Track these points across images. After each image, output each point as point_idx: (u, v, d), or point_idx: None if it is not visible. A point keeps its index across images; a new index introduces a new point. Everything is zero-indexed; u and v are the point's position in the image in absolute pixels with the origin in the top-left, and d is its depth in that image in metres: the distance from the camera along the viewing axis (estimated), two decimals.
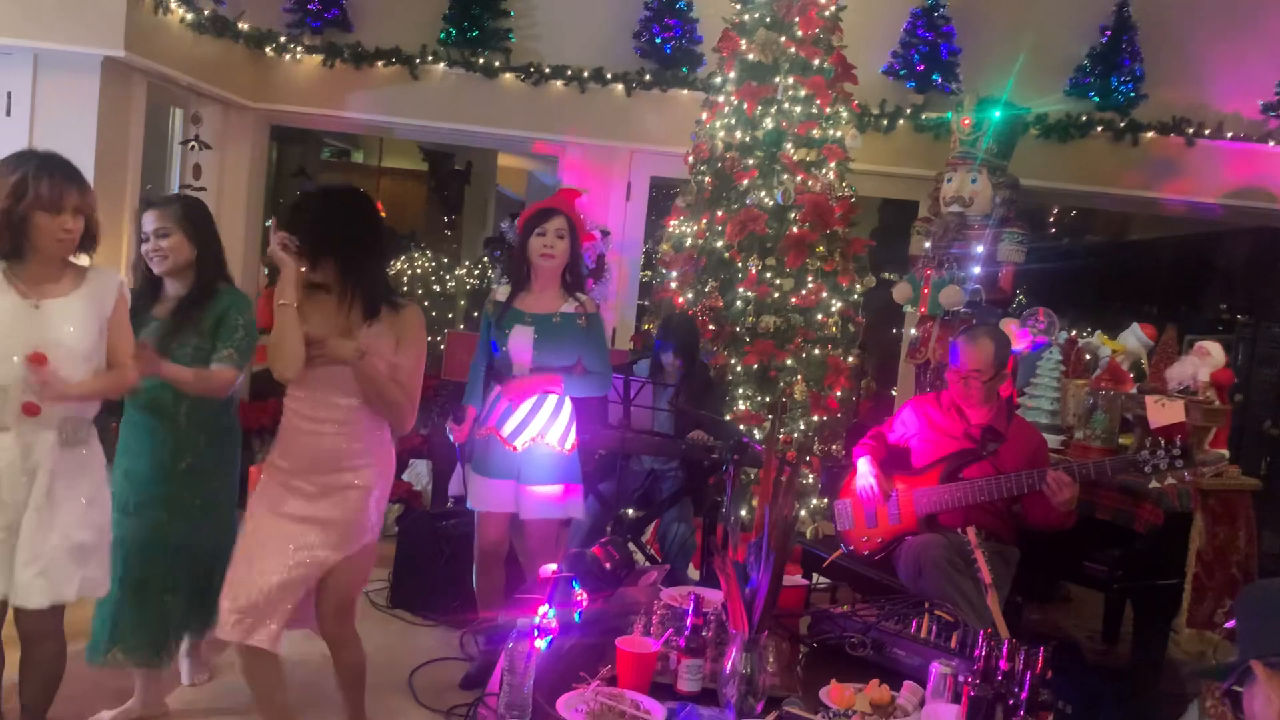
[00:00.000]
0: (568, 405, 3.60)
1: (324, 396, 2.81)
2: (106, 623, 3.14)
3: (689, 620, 2.34)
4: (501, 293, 3.67)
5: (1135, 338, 4.40)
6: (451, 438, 3.71)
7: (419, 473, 5.82)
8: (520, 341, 3.54)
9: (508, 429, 3.54)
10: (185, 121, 5.83)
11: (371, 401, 2.82)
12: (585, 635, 2.55)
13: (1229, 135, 6.06)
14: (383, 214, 9.38)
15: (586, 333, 3.57)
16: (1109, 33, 6.08)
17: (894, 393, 6.58)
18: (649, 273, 6.79)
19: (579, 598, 2.63)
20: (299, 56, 6.01)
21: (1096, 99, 6.09)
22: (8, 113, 4.83)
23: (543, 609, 2.46)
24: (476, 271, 8.73)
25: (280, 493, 2.82)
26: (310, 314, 2.79)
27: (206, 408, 3.17)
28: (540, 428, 3.53)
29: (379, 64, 6.05)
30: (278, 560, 2.74)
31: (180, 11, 5.09)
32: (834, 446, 5.10)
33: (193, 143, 5.67)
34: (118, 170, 4.96)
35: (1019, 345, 4.51)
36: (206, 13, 5.32)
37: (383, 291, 2.84)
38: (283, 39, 5.97)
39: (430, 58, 6.05)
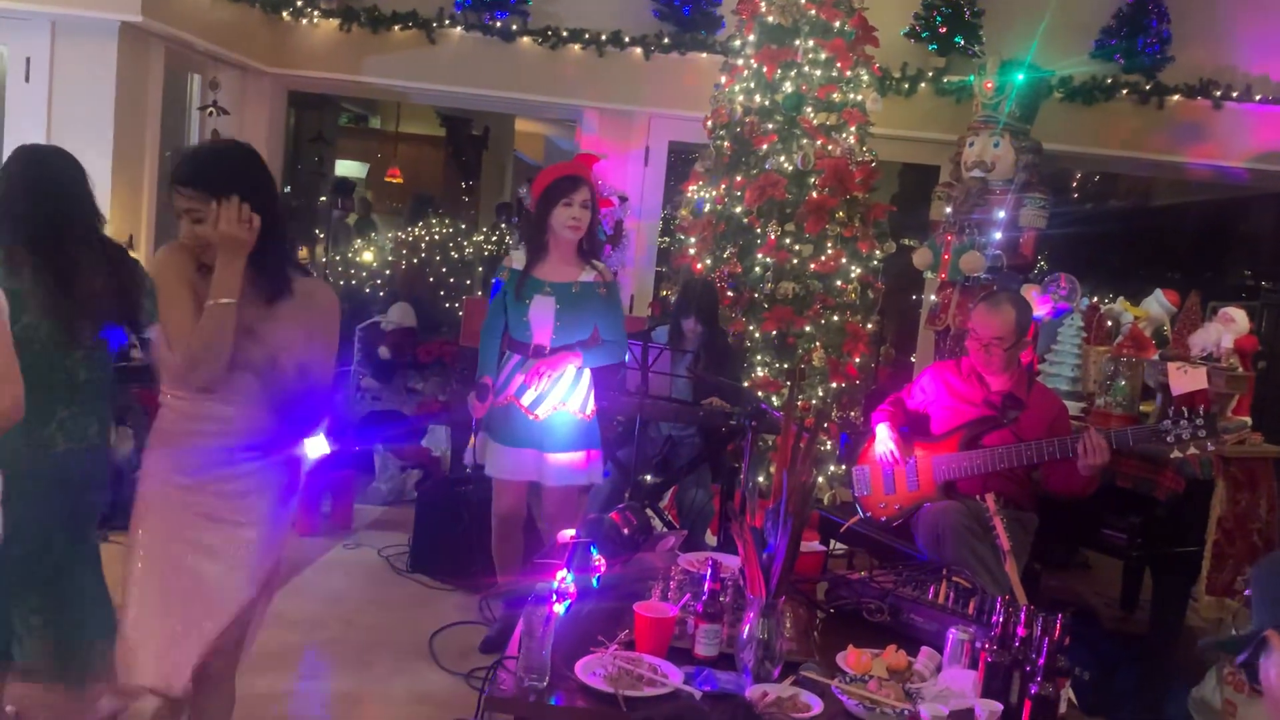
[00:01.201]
0: (587, 372, 3.61)
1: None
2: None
3: (706, 585, 2.35)
4: (517, 260, 3.65)
5: (1158, 304, 4.35)
6: (473, 413, 3.70)
7: (438, 438, 5.86)
8: (542, 312, 3.54)
9: (528, 398, 3.55)
10: (203, 87, 5.83)
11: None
12: (603, 600, 2.56)
13: (1257, 98, 5.96)
14: (399, 179, 9.36)
15: (605, 302, 3.57)
16: None
17: (913, 359, 6.56)
18: (666, 239, 6.76)
19: (597, 562, 2.64)
20: (316, 21, 5.99)
21: (1122, 61, 6.00)
22: (26, 79, 4.84)
23: (561, 573, 2.47)
24: (494, 237, 8.72)
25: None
26: (204, 295, 2.22)
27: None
28: (561, 395, 3.54)
29: (396, 28, 6.01)
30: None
31: None
32: (852, 413, 5.08)
33: (210, 108, 5.66)
34: (136, 136, 4.98)
35: (1040, 311, 4.48)
36: None
37: (288, 267, 2.32)
38: (299, 3, 5.94)
39: (447, 21, 6.01)
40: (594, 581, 2.60)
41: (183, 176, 2.26)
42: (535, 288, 3.56)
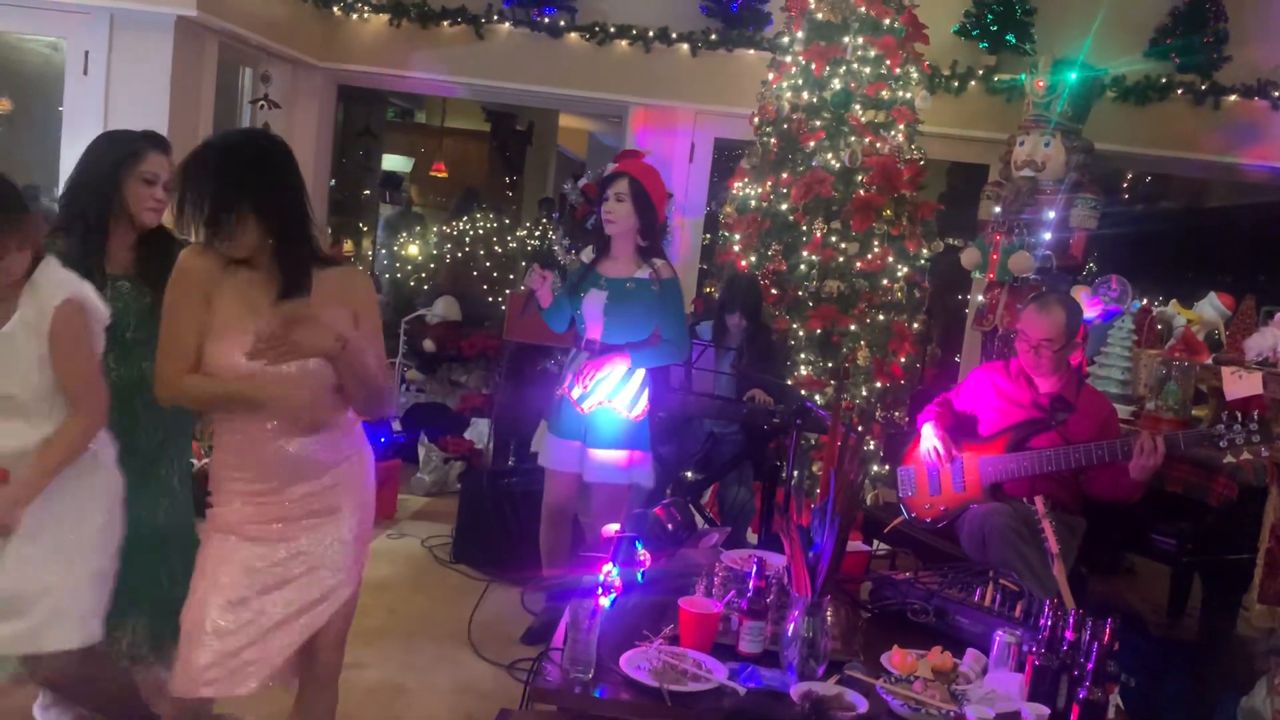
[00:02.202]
0: (639, 373, 3.61)
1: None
2: None
3: (752, 583, 2.35)
4: (587, 254, 3.71)
5: (1212, 307, 4.29)
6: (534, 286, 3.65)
7: (480, 431, 5.89)
8: (593, 306, 3.58)
9: (577, 391, 3.58)
10: (255, 80, 5.91)
11: (353, 395, 2.20)
12: (648, 594, 2.57)
13: None
14: (443, 174, 9.39)
15: (660, 299, 3.57)
16: None
17: (958, 359, 6.50)
18: (709, 235, 6.75)
19: (642, 557, 2.65)
20: (366, 16, 6.04)
21: (1177, 60, 5.89)
22: (85, 72, 4.93)
23: (607, 567, 2.48)
24: (537, 232, 8.76)
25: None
26: (227, 295, 2.14)
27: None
28: (608, 392, 3.55)
29: (445, 24, 6.06)
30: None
31: None
32: (896, 413, 5.05)
33: (262, 102, 5.74)
34: (190, 129, 5.05)
35: (1090, 313, 4.42)
36: None
37: (313, 255, 2.20)
38: (350, 1, 6.00)
39: (495, 17, 6.05)
40: (639, 576, 2.61)
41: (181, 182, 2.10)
42: (593, 282, 3.61)
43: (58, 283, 2.29)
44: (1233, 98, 5.88)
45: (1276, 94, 5.84)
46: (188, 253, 2.17)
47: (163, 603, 2.72)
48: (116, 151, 2.74)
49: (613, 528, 2.73)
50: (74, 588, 2.36)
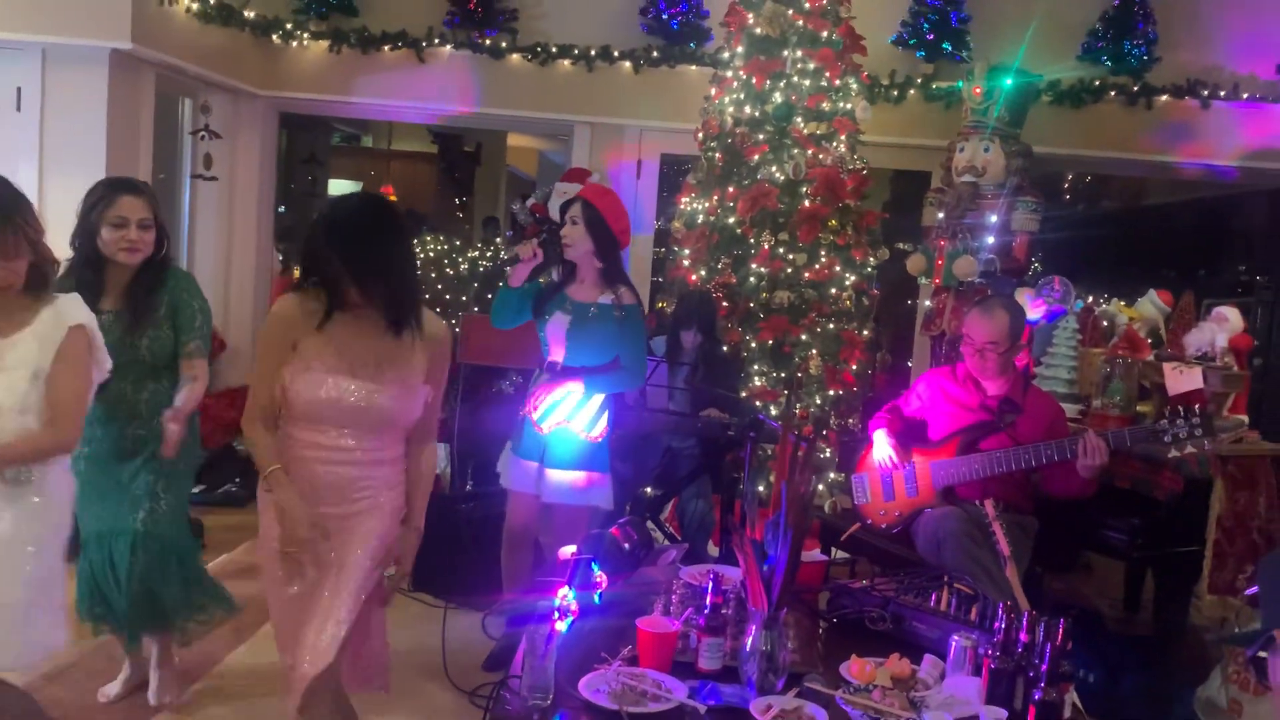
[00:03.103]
0: (598, 396, 3.60)
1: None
2: (84, 598, 3.16)
3: (708, 599, 2.35)
4: (555, 273, 3.71)
5: (1152, 304, 4.37)
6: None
7: (438, 456, 5.84)
8: (557, 328, 3.58)
9: (537, 412, 3.56)
10: (195, 111, 5.84)
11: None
12: (606, 616, 2.56)
13: (1244, 97, 5.99)
14: (392, 197, 9.32)
15: (621, 326, 3.56)
16: None
17: (910, 364, 6.56)
18: (661, 249, 6.78)
19: (598, 579, 2.64)
20: (306, 43, 6.01)
21: (1109, 63, 6.03)
22: (18, 108, 4.86)
23: (563, 591, 2.47)
24: (489, 252, 8.73)
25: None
26: (317, 337, 2.38)
27: (165, 394, 3.06)
28: (566, 412, 3.54)
29: (385, 48, 6.04)
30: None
31: (186, 1, 5.09)
32: (850, 420, 5.09)
33: (203, 132, 5.68)
34: (129, 163, 4.98)
35: (1035, 315, 4.49)
36: (213, 1, 5.31)
37: (418, 304, 2.46)
38: (289, 25, 5.96)
39: (436, 40, 6.04)
40: (596, 598, 2.60)
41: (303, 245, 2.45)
42: (558, 304, 3.60)
43: (78, 309, 2.50)
44: (1164, 98, 6.01)
45: (1206, 93, 5.99)
46: (282, 301, 2.43)
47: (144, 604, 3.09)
48: (91, 198, 3.02)
49: (569, 550, 2.72)
50: None
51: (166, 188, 5.92)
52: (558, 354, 3.58)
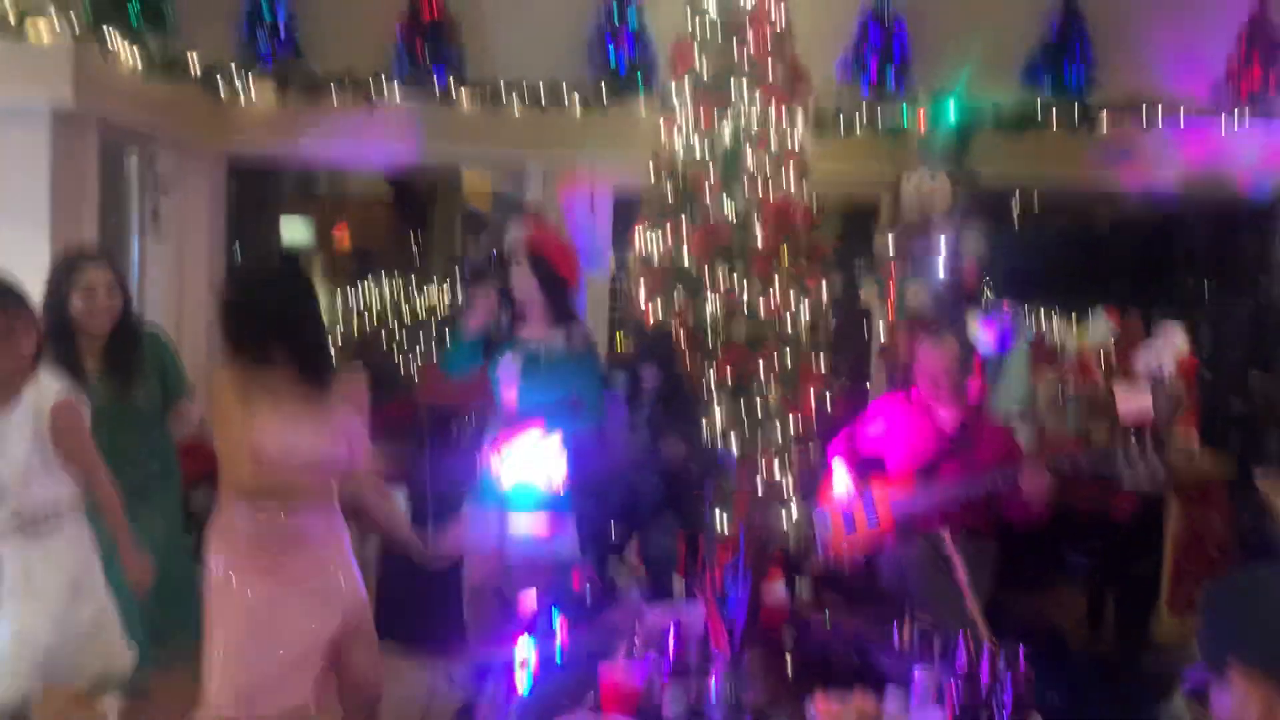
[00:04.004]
0: (554, 441, 3.57)
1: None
2: None
3: (671, 645, 2.34)
4: (507, 317, 3.71)
5: (1101, 325, 4.44)
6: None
7: (399, 502, 5.77)
8: (507, 370, 3.57)
9: (494, 463, 3.53)
10: (140, 166, 5.78)
11: None
12: (569, 663, 2.54)
13: (1183, 117, 6.11)
14: (347, 242, 9.22)
15: (575, 365, 3.56)
16: (1059, 22, 6.12)
17: (868, 386, 6.60)
18: (617, 285, 6.78)
19: (559, 627, 2.62)
20: (253, 94, 5.98)
21: (1050, 89, 6.13)
22: None
23: (524, 640, 2.45)
24: (447, 298, 8.70)
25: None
26: (260, 393, 2.64)
27: (160, 441, 3.37)
28: (525, 464, 3.50)
29: (334, 95, 6.02)
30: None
31: (129, 56, 5.05)
32: (811, 450, 5.10)
33: (150, 188, 5.62)
34: (73, 223, 4.88)
35: (986, 340, 4.54)
36: (155, 53, 5.27)
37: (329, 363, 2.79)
38: (235, 76, 5.94)
39: (384, 81, 6.03)
40: (558, 646, 2.58)
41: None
42: (508, 346, 3.59)
43: (53, 385, 2.76)
44: (1105, 120, 6.11)
45: (1146, 114, 6.10)
46: (219, 370, 2.67)
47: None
48: (58, 272, 3.24)
49: (531, 599, 2.70)
50: None
51: (114, 244, 5.84)
52: (510, 396, 3.57)
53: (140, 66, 5.16)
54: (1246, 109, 6.05)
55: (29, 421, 2.71)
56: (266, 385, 2.61)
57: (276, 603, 2.65)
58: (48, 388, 2.76)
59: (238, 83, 5.93)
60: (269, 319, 2.60)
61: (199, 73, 5.74)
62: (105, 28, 4.86)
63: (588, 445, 3.95)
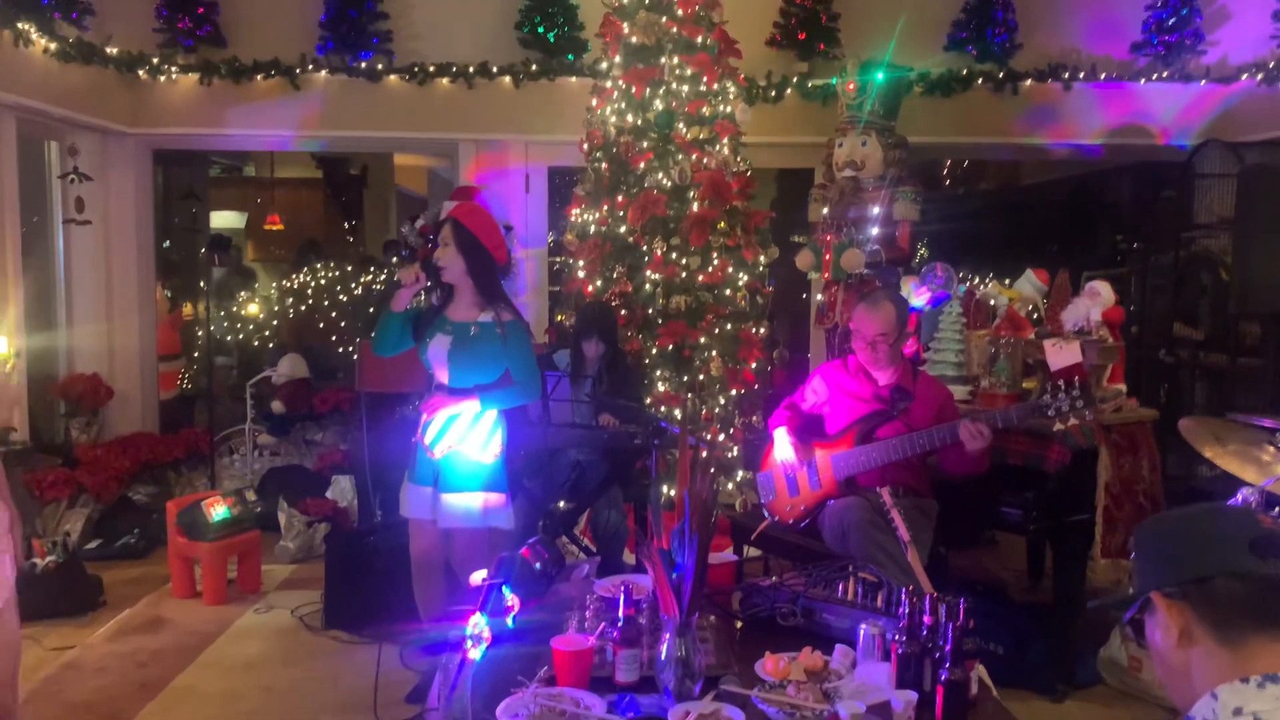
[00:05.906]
0: (490, 415, 3.58)
1: None
2: None
3: (621, 611, 2.36)
4: (436, 297, 3.67)
5: (1030, 284, 4.53)
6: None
7: (343, 489, 5.75)
8: (438, 351, 3.55)
9: (428, 436, 3.53)
10: (62, 154, 5.65)
11: None
12: (521, 638, 2.55)
13: (1102, 77, 6.26)
14: (279, 226, 9.14)
15: (504, 341, 3.55)
16: None
17: (809, 357, 6.69)
18: (556, 260, 6.78)
19: (510, 602, 2.63)
20: (174, 77, 5.86)
21: (974, 52, 6.24)
22: None
23: (475, 617, 2.45)
24: (382, 277, 8.62)
25: None
26: None
27: None
28: (457, 435, 3.51)
29: (258, 77, 5.93)
30: None
31: (42, 41, 4.91)
32: (754, 418, 5.16)
33: (72, 175, 5.49)
34: None
35: (919, 301, 4.62)
36: (71, 40, 5.14)
37: None
38: (155, 60, 5.81)
39: (310, 66, 5.95)
40: (509, 621, 2.59)
41: None
42: (439, 326, 3.57)
43: None
44: (1028, 83, 6.25)
45: (1066, 76, 6.24)
46: None
47: None
48: None
49: (480, 575, 2.70)
50: None
51: (38, 234, 5.70)
52: (441, 375, 3.56)
53: (55, 53, 5.03)
54: (1163, 67, 6.20)
55: None
56: None
57: None
58: None
59: (159, 69, 5.80)
60: None
61: (117, 59, 5.61)
62: (17, 16, 4.72)
63: (522, 422, 3.96)
